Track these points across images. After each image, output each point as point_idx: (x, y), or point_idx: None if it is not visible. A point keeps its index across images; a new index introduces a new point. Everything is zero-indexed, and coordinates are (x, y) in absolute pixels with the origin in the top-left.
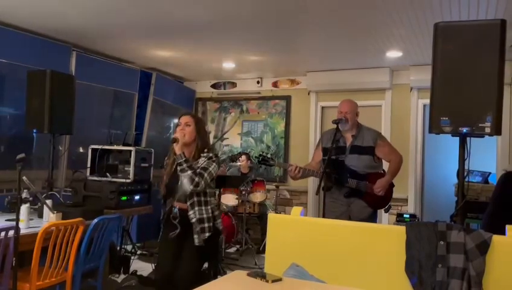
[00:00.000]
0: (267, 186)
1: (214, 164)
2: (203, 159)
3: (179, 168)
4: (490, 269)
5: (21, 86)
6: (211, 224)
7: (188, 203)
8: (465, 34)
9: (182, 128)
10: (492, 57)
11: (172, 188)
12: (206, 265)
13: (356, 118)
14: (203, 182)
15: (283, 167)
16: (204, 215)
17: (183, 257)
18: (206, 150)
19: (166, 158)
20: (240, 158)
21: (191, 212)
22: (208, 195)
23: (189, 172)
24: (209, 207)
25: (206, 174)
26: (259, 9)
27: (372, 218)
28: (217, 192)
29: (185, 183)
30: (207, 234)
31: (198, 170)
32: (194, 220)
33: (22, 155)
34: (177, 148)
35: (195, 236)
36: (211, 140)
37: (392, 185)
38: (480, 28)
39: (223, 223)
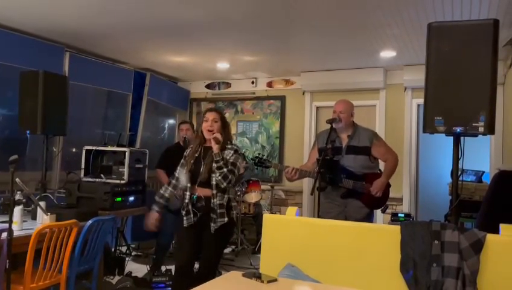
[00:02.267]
0: (262, 187)
1: (240, 158)
2: (229, 151)
3: (215, 165)
4: (484, 267)
5: (14, 87)
6: (225, 211)
7: (214, 192)
8: (458, 34)
9: (210, 125)
10: (486, 57)
11: (196, 175)
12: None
13: (351, 118)
14: (234, 178)
15: (279, 169)
16: (219, 202)
17: (204, 245)
18: (229, 142)
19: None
20: None
21: (215, 200)
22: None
23: (225, 170)
24: (226, 196)
25: (236, 170)
26: (253, 10)
27: (369, 218)
28: (235, 190)
29: (219, 178)
30: (219, 220)
31: (230, 167)
32: (215, 207)
33: (15, 157)
34: (215, 147)
35: (212, 224)
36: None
37: (388, 185)
38: (473, 28)
39: None
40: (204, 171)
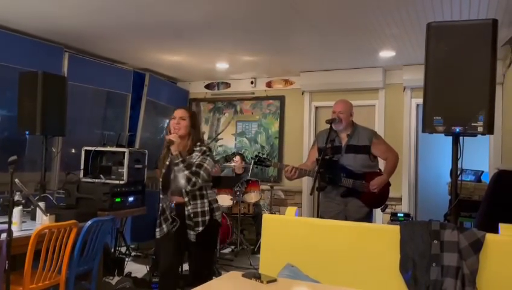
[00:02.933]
0: (262, 187)
1: (208, 158)
2: (196, 153)
3: (175, 168)
4: (484, 267)
5: (13, 87)
6: (207, 218)
7: (185, 199)
8: (457, 34)
9: (177, 123)
10: (485, 57)
11: (167, 182)
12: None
13: (351, 117)
14: (200, 180)
15: (279, 168)
16: (199, 209)
17: (190, 253)
18: (199, 144)
19: (161, 153)
20: (234, 159)
21: (189, 207)
22: (204, 188)
23: (187, 172)
24: (205, 200)
25: (202, 172)
26: (252, 10)
27: (369, 217)
28: (214, 191)
29: (181, 182)
30: (200, 228)
31: (194, 169)
32: (191, 214)
33: (14, 157)
34: (173, 148)
35: (190, 231)
36: (205, 141)
37: (388, 184)
38: (472, 28)
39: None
40: (173, 181)
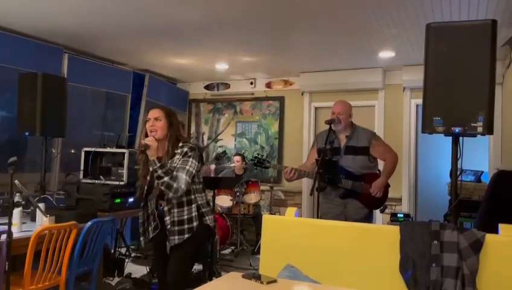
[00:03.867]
0: (262, 187)
1: (191, 159)
2: (177, 156)
3: (155, 174)
4: (484, 267)
5: (13, 88)
6: (194, 224)
7: (166, 209)
8: (456, 34)
9: (151, 125)
10: (484, 57)
11: (150, 190)
12: (200, 267)
13: (350, 118)
14: (183, 186)
15: (278, 169)
16: (185, 217)
17: (170, 258)
18: (180, 145)
19: (137, 157)
20: (234, 159)
21: (167, 218)
22: (192, 193)
23: (166, 179)
24: (193, 206)
25: (184, 176)
26: (251, 10)
27: (368, 218)
28: (204, 194)
29: (163, 189)
30: (186, 236)
31: (174, 173)
32: (169, 226)
33: (14, 158)
34: (150, 153)
35: (171, 237)
36: (205, 142)
37: (387, 186)
38: (471, 28)
39: (218, 224)
40: (155, 185)
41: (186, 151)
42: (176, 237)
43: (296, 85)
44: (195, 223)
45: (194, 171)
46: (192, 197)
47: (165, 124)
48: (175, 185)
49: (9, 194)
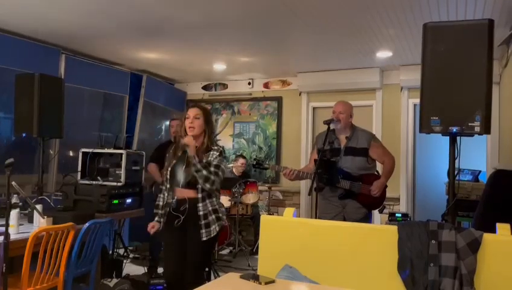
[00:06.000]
0: (260, 188)
1: (224, 160)
2: (214, 153)
3: (193, 168)
4: (481, 267)
5: (10, 89)
6: (220, 214)
7: (199, 195)
8: (453, 34)
9: (191, 122)
10: (481, 57)
11: (177, 175)
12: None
13: (350, 119)
14: (218, 181)
15: (277, 170)
16: (210, 208)
17: (188, 253)
18: (215, 142)
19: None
20: (238, 161)
21: (200, 204)
22: (215, 190)
23: (205, 172)
24: (214, 200)
25: (220, 172)
26: (249, 11)
27: (367, 218)
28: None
29: (199, 181)
30: (214, 226)
31: (213, 169)
32: (201, 213)
33: (11, 160)
34: (190, 150)
35: (202, 231)
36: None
37: (385, 186)
38: (468, 28)
39: None
40: (186, 173)
41: (222, 152)
42: (208, 229)
43: (293, 85)
44: (220, 215)
45: (225, 171)
46: (215, 193)
47: (203, 122)
48: (212, 177)
49: (7, 196)
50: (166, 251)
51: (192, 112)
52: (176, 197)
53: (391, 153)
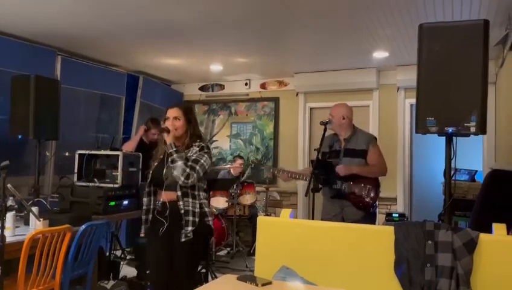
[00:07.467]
0: (257, 188)
1: (206, 155)
2: (195, 148)
3: (169, 159)
4: (478, 267)
5: (5, 91)
6: (197, 219)
7: (178, 193)
8: (449, 35)
9: (171, 124)
10: (477, 57)
11: (159, 177)
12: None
13: (343, 120)
14: (195, 175)
15: (273, 172)
16: (190, 208)
17: (175, 258)
18: (198, 140)
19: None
20: (236, 161)
21: (180, 203)
22: (197, 189)
23: (180, 162)
24: (197, 201)
25: (197, 167)
26: (245, 11)
27: (367, 219)
28: (207, 195)
29: (174, 173)
30: (189, 228)
31: (189, 163)
32: (182, 211)
33: (6, 162)
34: (167, 138)
35: (182, 231)
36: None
37: (378, 186)
38: (464, 29)
39: (213, 225)
40: (167, 173)
41: (203, 147)
42: (186, 228)
43: (290, 86)
44: (197, 219)
45: (206, 167)
46: (196, 193)
47: (184, 122)
48: (188, 170)
49: (2, 198)
50: (150, 258)
51: (171, 113)
52: (161, 200)
53: (385, 164)
